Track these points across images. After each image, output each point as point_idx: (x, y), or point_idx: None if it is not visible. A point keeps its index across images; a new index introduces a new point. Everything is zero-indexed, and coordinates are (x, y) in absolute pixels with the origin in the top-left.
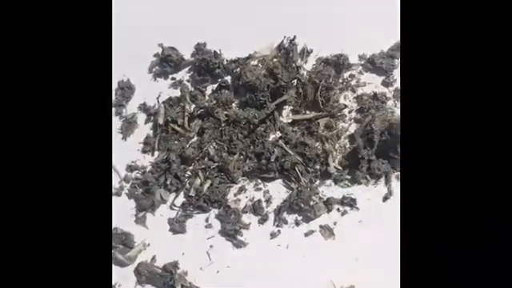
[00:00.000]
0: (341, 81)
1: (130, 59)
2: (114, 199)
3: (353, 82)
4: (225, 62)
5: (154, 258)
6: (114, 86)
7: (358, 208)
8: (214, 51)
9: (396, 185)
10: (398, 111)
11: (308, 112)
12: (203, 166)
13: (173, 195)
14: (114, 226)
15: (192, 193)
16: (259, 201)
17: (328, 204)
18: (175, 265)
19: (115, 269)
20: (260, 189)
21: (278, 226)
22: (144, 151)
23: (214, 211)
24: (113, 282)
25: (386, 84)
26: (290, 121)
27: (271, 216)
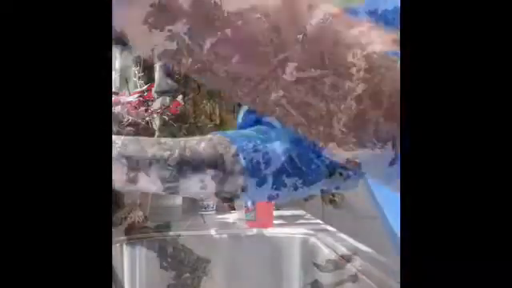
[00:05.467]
0: (349, 37)
1: (123, 9)
2: None
3: (362, 39)
4: (225, 14)
5: (145, 218)
6: None
7: (363, 172)
8: (214, 2)
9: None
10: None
11: (313, 70)
12: (200, 124)
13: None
14: None
15: (187, 152)
16: (258, 162)
17: (330, 167)
18: (167, 226)
19: None
20: (259, 150)
21: (276, 189)
22: None
23: (210, 172)
24: None
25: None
26: (293, 79)
27: (270, 178)
